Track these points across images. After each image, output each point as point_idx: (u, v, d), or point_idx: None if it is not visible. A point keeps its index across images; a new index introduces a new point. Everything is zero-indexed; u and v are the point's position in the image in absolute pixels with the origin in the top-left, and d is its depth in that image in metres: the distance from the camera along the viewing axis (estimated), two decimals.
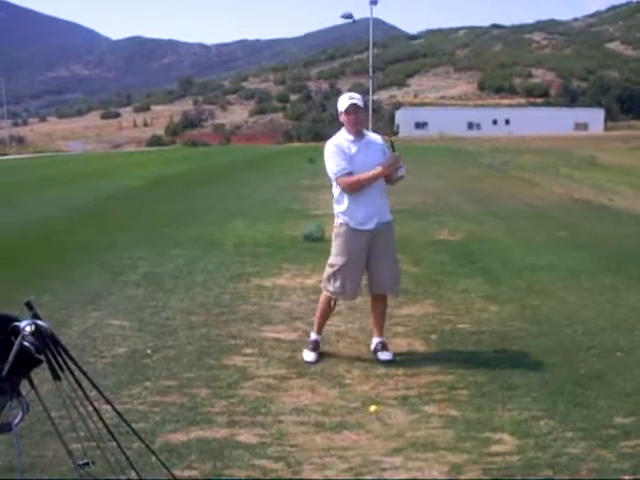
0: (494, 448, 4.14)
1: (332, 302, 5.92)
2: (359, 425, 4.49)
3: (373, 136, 5.88)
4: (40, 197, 19.35)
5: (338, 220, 5.78)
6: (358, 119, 5.62)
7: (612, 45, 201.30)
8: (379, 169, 5.55)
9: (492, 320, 6.86)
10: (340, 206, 5.75)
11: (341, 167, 5.58)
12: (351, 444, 4.23)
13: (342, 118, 5.65)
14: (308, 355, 5.77)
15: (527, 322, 6.77)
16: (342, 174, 5.59)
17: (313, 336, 5.93)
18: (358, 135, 5.66)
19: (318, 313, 6.01)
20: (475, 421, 4.52)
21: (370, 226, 5.64)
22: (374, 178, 5.57)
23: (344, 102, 5.60)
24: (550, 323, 6.72)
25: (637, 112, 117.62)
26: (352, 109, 5.55)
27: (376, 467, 3.92)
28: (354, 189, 5.61)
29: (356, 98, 5.62)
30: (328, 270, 5.80)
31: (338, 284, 5.72)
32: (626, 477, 3.74)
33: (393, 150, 5.71)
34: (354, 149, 5.61)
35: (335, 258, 5.75)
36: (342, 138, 5.69)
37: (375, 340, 5.87)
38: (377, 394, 5.03)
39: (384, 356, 5.68)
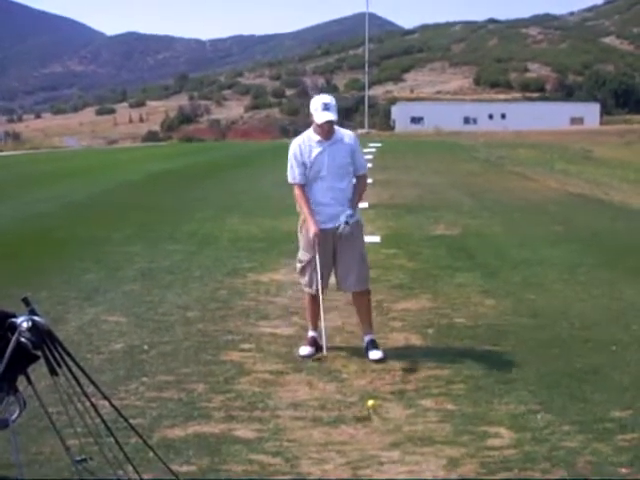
0: (491, 442, 4.15)
1: (315, 297, 5.93)
2: (356, 420, 4.50)
3: (342, 134, 5.80)
4: (37, 193, 19.30)
5: (302, 217, 5.85)
6: (330, 131, 5.66)
7: (608, 39, 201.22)
8: (313, 228, 5.60)
9: (488, 314, 6.88)
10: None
11: (293, 176, 5.75)
12: (348, 439, 4.24)
13: (313, 122, 5.66)
14: (304, 349, 5.78)
15: (523, 316, 6.78)
16: (294, 182, 5.76)
17: (310, 333, 5.95)
18: (325, 137, 5.68)
19: (307, 311, 6.08)
20: (472, 415, 4.53)
21: (328, 226, 5.68)
22: (308, 217, 5.66)
23: (319, 114, 5.55)
24: (546, 317, 6.74)
25: (633, 106, 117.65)
26: (326, 125, 5.58)
27: (374, 461, 3.93)
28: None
29: (331, 109, 5.56)
30: (297, 264, 5.98)
31: (306, 279, 5.87)
32: (623, 470, 3.76)
33: (347, 223, 5.65)
34: (317, 150, 5.67)
35: (301, 253, 5.90)
36: (307, 138, 5.74)
37: (365, 338, 5.86)
38: (374, 389, 5.04)
39: (373, 355, 5.66)
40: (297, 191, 5.76)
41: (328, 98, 5.69)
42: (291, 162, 5.74)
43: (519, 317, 6.75)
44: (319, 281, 5.74)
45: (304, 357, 5.68)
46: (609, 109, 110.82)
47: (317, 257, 5.68)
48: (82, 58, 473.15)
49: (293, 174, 5.74)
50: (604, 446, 4.05)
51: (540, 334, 6.22)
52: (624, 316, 6.72)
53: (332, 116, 5.54)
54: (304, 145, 5.70)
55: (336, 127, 5.73)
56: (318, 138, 5.67)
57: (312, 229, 5.62)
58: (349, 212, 5.64)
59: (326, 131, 5.62)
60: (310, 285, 5.84)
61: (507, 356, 5.69)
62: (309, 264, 5.79)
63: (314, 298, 5.93)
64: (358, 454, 4.02)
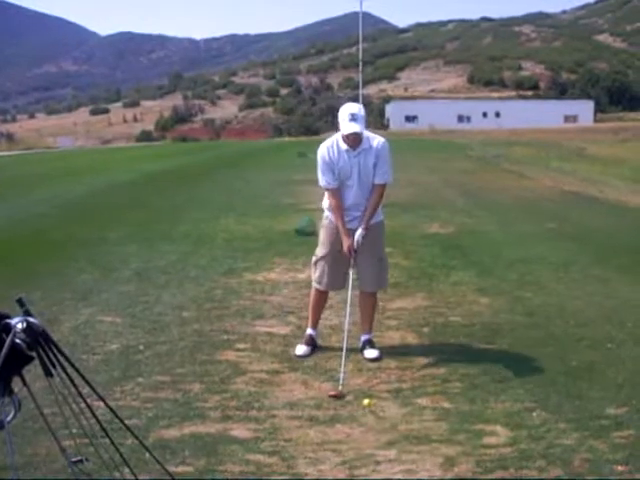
0: (487, 440, 4.15)
1: (322, 295, 5.93)
2: (352, 419, 4.50)
3: (371, 142, 5.60)
4: (31, 193, 19.27)
5: (325, 214, 5.86)
6: (356, 141, 5.51)
7: (601, 37, 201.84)
8: (347, 242, 5.54)
9: (484, 312, 6.88)
10: (326, 203, 5.83)
11: (325, 181, 5.62)
12: (345, 438, 4.24)
13: (341, 130, 5.51)
14: (300, 349, 5.77)
15: (518, 314, 6.79)
16: (327, 188, 5.65)
17: (308, 330, 5.94)
18: (353, 147, 5.55)
19: (310, 307, 6.03)
20: (468, 413, 4.53)
21: (353, 225, 5.63)
22: (341, 229, 5.58)
23: (345, 125, 5.40)
24: (541, 315, 6.75)
25: (627, 104, 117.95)
26: (352, 137, 5.46)
27: (370, 460, 3.93)
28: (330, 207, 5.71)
29: (359, 120, 5.40)
30: (313, 258, 5.93)
31: (318, 274, 5.83)
32: (619, 467, 3.76)
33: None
34: (344, 159, 5.55)
35: (318, 248, 5.87)
36: (335, 145, 5.59)
37: (362, 337, 5.85)
38: (370, 387, 5.04)
39: (370, 354, 5.65)
40: (332, 198, 5.61)
41: (356, 108, 5.49)
42: (321, 167, 5.60)
43: (514, 315, 6.76)
44: (332, 279, 5.75)
45: (300, 357, 5.67)
46: (603, 107, 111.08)
47: (350, 272, 5.65)
48: (76, 58, 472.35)
49: (326, 179, 5.60)
50: (600, 443, 4.06)
51: (535, 332, 6.23)
52: (618, 313, 6.73)
53: (358, 128, 5.37)
54: (332, 151, 5.57)
55: (365, 134, 5.56)
56: (346, 147, 5.54)
57: (346, 244, 5.55)
58: (360, 232, 5.55)
59: (352, 141, 5.49)
60: (319, 282, 5.82)
61: (503, 354, 5.69)
62: (323, 260, 5.77)
63: (320, 295, 5.93)
64: (354, 453, 4.02)
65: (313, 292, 5.97)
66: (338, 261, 5.72)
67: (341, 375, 5.10)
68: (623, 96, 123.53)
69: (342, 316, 6.58)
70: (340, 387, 4.95)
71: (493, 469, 3.80)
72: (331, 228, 5.76)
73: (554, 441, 4.11)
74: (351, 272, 5.69)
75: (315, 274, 5.86)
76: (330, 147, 5.60)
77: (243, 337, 6.21)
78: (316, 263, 5.85)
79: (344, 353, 5.31)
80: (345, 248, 5.57)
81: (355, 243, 5.54)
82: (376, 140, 5.62)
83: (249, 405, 4.72)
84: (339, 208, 5.60)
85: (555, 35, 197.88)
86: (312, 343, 5.83)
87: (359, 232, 5.56)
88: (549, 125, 75.57)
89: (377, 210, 5.72)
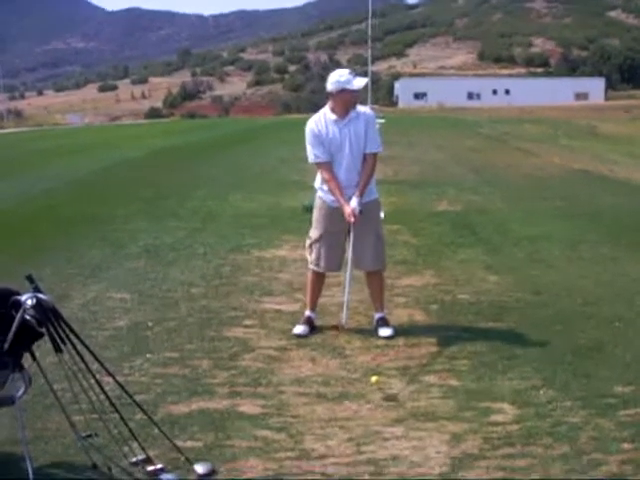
0: (494, 417, 4.17)
1: (320, 277, 5.93)
2: (360, 395, 4.52)
3: (358, 111, 5.60)
4: (40, 170, 19.30)
5: (317, 194, 5.82)
6: (352, 102, 5.52)
7: (613, 13, 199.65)
8: (348, 209, 5.47)
9: (492, 290, 6.88)
10: (318, 181, 5.80)
11: (315, 156, 5.59)
12: (352, 414, 4.25)
13: (330, 100, 5.53)
14: (298, 328, 5.73)
15: (527, 292, 6.78)
16: (317, 162, 5.61)
17: (306, 312, 5.91)
18: (342, 116, 5.54)
19: (307, 289, 6.02)
20: (475, 391, 4.55)
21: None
22: (339, 199, 5.53)
23: (355, 82, 5.44)
24: (549, 293, 6.74)
25: (638, 82, 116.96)
26: (356, 94, 5.47)
27: (377, 437, 3.95)
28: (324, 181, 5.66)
29: (352, 79, 5.43)
30: (307, 241, 5.92)
31: (314, 256, 5.81)
32: (625, 445, 3.77)
33: (360, 212, 5.53)
34: (334, 130, 5.53)
35: (312, 230, 5.85)
36: (323, 117, 5.58)
37: (375, 316, 5.86)
38: (378, 365, 5.05)
39: (384, 332, 5.64)
40: (324, 172, 5.58)
41: (347, 73, 5.54)
42: (310, 142, 5.58)
43: (522, 293, 6.75)
44: (329, 260, 5.77)
45: (298, 336, 5.64)
46: (614, 84, 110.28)
47: (351, 246, 5.65)
48: (84, 35, 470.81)
49: (315, 152, 5.56)
50: (606, 422, 4.07)
51: (543, 310, 6.23)
52: (627, 292, 6.72)
53: (365, 80, 5.51)
54: (321, 124, 5.55)
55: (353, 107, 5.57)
56: (334, 117, 5.51)
57: (347, 210, 5.48)
58: (357, 200, 5.52)
59: (350, 102, 5.48)
60: (317, 263, 5.80)
61: (510, 332, 5.69)
62: (318, 242, 5.76)
63: (317, 277, 5.92)
64: (362, 430, 4.04)
65: (310, 274, 5.95)
66: (333, 242, 5.73)
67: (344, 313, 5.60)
68: (635, 74, 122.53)
69: (349, 293, 6.60)
70: (343, 321, 5.51)
71: (500, 446, 3.82)
72: (325, 208, 5.74)
73: (561, 419, 4.12)
74: (351, 249, 5.67)
75: (312, 256, 5.82)
76: (318, 120, 5.59)
77: (251, 314, 6.23)
78: (311, 245, 5.82)
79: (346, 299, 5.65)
80: (346, 215, 5.51)
81: (352, 210, 5.48)
82: (363, 109, 5.70)
83: (257, 381, 4.75)
84: (334, 179, 5.55)
85: (566, 11, 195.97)
86: (310, 324, 5.81)
87: (355, 200, 5.52)
88: (559, 103, 75.12)
89: (371, 181, 5.71)
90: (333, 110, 5.55)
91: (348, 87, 5.43)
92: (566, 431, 3.96)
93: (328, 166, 5.58)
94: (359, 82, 5.46)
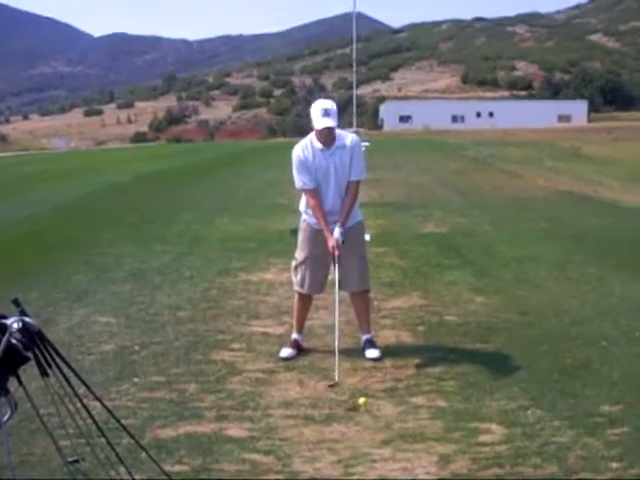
0: (482, 438, 4.17)
1: (305, 299, 5.92)
2: (348, 417, 4.51)
3: (344, 139, 5.59)
4: (26, 195, 19.25)
5: (302, 216, 5.85)
6: (330, 137, 5.50)
7: (594, 37, 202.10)
8: (332, 241, 5.50)
9: (479, 311, 6.89)
10: (303, 204, 5.82)
11: (302, 183, 5.60)
12: (340, 436, 4.24)
13: (314, 129, 5.51)
14: (284, 351, 5.73)
15: (514, 313, 6.80)
16: (304, 188, 5.63)
17: (293, 335, 5.90)
18: (327, 146, 5.54)
19: (294, 311, 6.03)
20: (463, 411, 4.55)
21: (331, 226, 5.59)
22: (323, 230, 5.54)
23: (318, 121, 5.39)
24: (536, 313, 6.76)
25: (620, 104, 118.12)
26: (326, 132, 5.45)
27: (366, 459, 3.94)
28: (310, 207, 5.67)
29: (332, 115, 5.39)
30: (292, 263, 5.94)
31: (299, 278, 5.83)
32: (614, 464, 3.77)
33: (343, 242, 5.56)
34: (319, 158, 5.54)
35: (297, 252, 5.87)
36: (309, 145, 5.58)
37: (362, 337, 5.85)
38: (365, 386, 5.05)
39: (371, 354, 5.64)
40: (310, 199, 5.59)
41: (329, 103, 5.49)
42: (297, 169, 5.58)
43: (509, 314, 6.76)
44: (314, 281, 5.77)
45: (285, 359, 5.63)
46: (596, 106, 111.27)
47: (336, 270, 5.61)
48: (69, 59, 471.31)
49: (302, 179, 5.57)
50: (594, 441, 4.07)
51: (530, 331, 6.24)
52: (613, 312, 6.75)
53: (332, 122, 5.36)
54: (308, 151, 5.55)
55: (338, 132, 5.56)
56: (320, 146, 5.52)
57: (330, 242, 5.51)
58: (340, 230, 5.54)
59: (325, 137, 5.46)
60: (301, 285, 5.82)
61: (498, 353, 5.70)
62: (303, 264, 5.78)
63: (303, 299, 5.92)
64: (350, 452, 4.02)
65: (296, 297, 5.96)
66: (318, 264, 5.74)
67: (336, 374, 5.13)
68: (616, 96, 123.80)
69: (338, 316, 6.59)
70: (336, 378, 5.05)
71: (488, 466, 3.81)
72: (309, 231, 5.77)
73: (549, 439, 4.12)
74: (336, 273, 5.66)
75: (296, 278, 5.85)
76: (305, 147, 5.59)
77: (238, 337, 6.21)
78: (296, 267, 5.84)
79: (336, 351, 5.33)
80: (330, 247, 5.54)
81: (335, 241, 5.51)
82: (349, 138, 5.65)
83: (244, 404, 4.73)
84: (319, 208, 5.56)
85: (549, 35, 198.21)
86: (297, 347, 5.81)
87: (337, 230, 5.54)
88: (543, 125, 75.62)
89: (354, 208, 5.73)
90: (318, 139, 5.55)
91: (314, 125, 5.46)
92: (554, 451, 3.96)
93: (315, 193, 5.59)
94: (320, 123, 5.37)
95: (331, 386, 4.97)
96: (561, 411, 4.50)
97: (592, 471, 3.72)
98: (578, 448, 3.99)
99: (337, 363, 5.23)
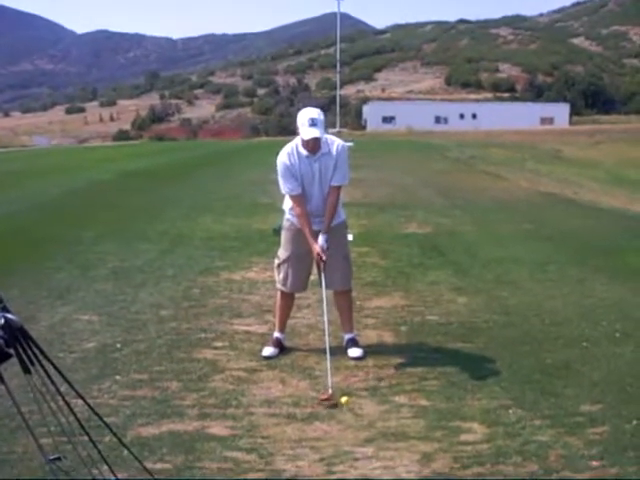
0: (464, 437, 4.19)
1: (288, 297, 5.92)
2: (330, 416, 4.52)
3: (330, 146, 5.58)
4: (7, 192, 19.09)
5: (286, 216, 5.86)
6: (316, 147, 5.48)
7: (577, 40, 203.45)
8: (317, 248, 5.50)
9: (461, 311, 6.93)
10: (287, 204, 5.81)
11: (288, 189, 5.59)
12: (322, 435, 4.25)
13: (300, 135, 5.47)
14: (266, 350, 5.73)
15: (495, 313, 6.84)
16: (290, 194, 5.62)
17: (275, 334, 5.91)
18: (312, 153, 5.52)
19: (276, 310, 6.04)
20: (445, 410, 4.57)
21: (315, 227, 5.60)
22: (307, 237, 5.53)
23: (305, 130, 5.36)
24: (518, 314, 6.80)
25: (601, 107, 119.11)
26: (312, 142, 5.42)
27: (348, 457, 3.95)
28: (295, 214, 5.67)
29: (318, 124, 5.36)
30: (275, 261, 5.95)
31: (281, 276, 5.83)
32: (594, 463, 3.80)
33: (327, 249, 5.55)
34: (304, 165, 5.53)
35: (280, 251, 5.88)
36: (295, 150, 5.55)
37: (345, 337, 5.87)
38: (348, 385, 5.06)
39: (354, 353, 5.65)
40: (296, 205, 5.57)
41: (315, 113, 5.44)
42: (282, 174, 5.55)
43: (491, 314, 6.80)
44: (296, 280, 5.77)
45: (267, 358, 5.63)
46: (578, 109, 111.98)
47: (322, 276, 5.61)
48: (52, 56, 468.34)
49: (289, 186, 5.55)
50: (575, 440, 4.11)
51: (512, 331, 6.28)
52: (594, 312, 6.81)
53: (318, 133, 5.34)
54: (293, 158, 5.54)
55: (324, 137, 5.52)
56: (306, 153, 5.51)
57: (315, 250, 5.51)
58: (324, 237, 5.55)
59: (311, 147, 5.45)
60: (284, 284, 5.83)
61: (479, 353, 5.73)
62: (286, 262, 5.78)
63: (286, 298, 5.93)
64: (332, 450, 4.03)
65: (278, 295, 5.97)
66: (301, 263, 5.75)
67: (329, 379, 4.98)
68: (598, 99, 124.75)
69: (319, 315, 6.60)
70: (330, 390, 4.84)
71: (470, 465, 3.84)
72: (292, 230, 5.77)
73: (530, 438, 4.15)
74: (323, 279, 5.65)
75: (279, 276, 5.86)
76: (290, 153, 5.57)
77: (221, 335, 6.21)
78: (279, 266, 5.85)
79: (328, 355, 5.22)
80: (314, 256, 5.56)
81: (320, 248, 5.51)
82: (335, 144, 5.61)
83: (227, 403, 4.73)
84: (304, 215, 5.56)
85: (532, 38, 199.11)
86: (279, 345, 5.82)
87: (322, 238, 5.55)
88: (525, 127, 76.03)
89: (337, 211, 5.73)
90: (304, 147, 5.52)
91: (300, 134, 5.45)
92: (535, 450, 3.99)
93: (300, 199, 5.58)
94: (306, 134, 5.36)
95: (325, 400, 4.74)
96: (542, 410, 4.54)
97: (572, 470, 3.76)
98: (559, 447, 4.02)
99: (329, 375, 5.01)
